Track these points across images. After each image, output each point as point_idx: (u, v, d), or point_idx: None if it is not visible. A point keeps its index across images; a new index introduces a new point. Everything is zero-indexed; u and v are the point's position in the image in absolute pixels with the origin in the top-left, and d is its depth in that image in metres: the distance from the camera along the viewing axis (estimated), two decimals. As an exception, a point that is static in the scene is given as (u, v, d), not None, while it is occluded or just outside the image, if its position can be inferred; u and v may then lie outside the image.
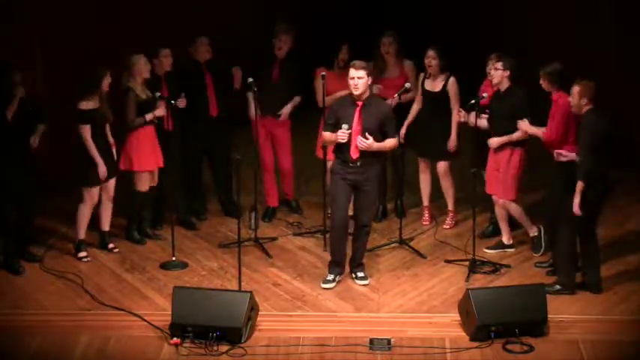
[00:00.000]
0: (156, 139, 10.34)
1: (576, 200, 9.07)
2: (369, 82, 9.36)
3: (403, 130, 10.70)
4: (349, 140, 9.28)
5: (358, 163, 9.33)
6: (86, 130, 9.84)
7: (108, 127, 10.05)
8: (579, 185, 9.05)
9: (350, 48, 10.67)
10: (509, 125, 9.87)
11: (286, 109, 10.84)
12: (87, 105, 9.84)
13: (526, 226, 10.24)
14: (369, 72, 9.36)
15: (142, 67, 10.16)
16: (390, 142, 9.42)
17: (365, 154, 9.31)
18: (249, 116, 10.75)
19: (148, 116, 10.17)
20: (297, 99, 10.89)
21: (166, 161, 10.37)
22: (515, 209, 10.11)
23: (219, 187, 11.20)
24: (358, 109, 9.33)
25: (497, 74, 9.93)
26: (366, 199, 9.49)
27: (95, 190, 10.03)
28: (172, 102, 10.18)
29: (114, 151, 10.12)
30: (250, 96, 10.63)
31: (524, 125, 9.75)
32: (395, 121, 9.51)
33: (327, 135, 9.48)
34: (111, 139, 10.09)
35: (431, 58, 10.48)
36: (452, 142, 10.57)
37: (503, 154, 9.97)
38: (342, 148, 9.37)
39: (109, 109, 9.99)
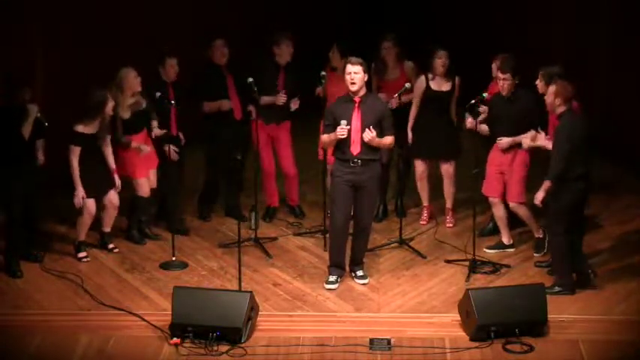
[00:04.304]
0: (148, 142, 10.31)
1: (540, 195, 9.14)
2: (365, 79, 9.36)
3: (410, 134, 10.70)
4: (348, 138, 9.28)
5: (359, 161, 9.32)
6: (74, 152, 9.78)
7: (110, 151, 9.99)
8: (546, 184, 9.11)
9: (340, 50, 10.67)
10: (518, 129, 9.83)
11: (295, 103, 10.78)
12: (83, 129, 9.80)
13: (533, 228, 10.20)
14: (365, 68, 9.35)
15: (131, 80, 10.09)
16: (387, 139, 9.42)
17: (365, 151, 9.30)
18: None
19: (133, 144, 10.12)
20: (296, 102, 10.85)
21: (171, 166, 10.39)
22: (524, 211, 10.07)
23: (230, 189, 11.16)
24: (357, 105, 9.33)
25: (508, 85, 9.83)
26: (367, 200, 9.49)
27: (91, 202, 9.98)
28: (172, 102, 10.19)
29: (115, 175, 10.02)
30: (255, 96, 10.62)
31: (531, 138, 9.67)
32: (392, 119, 9.51)
33: (325, 137, 9.46)
34: (112, 165, 9.99)
35: (444, 59, 10.48)
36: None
37: (509, 156, 9.93)
38: (341, 147, 9.37)
39: (109, 132, 9.93)
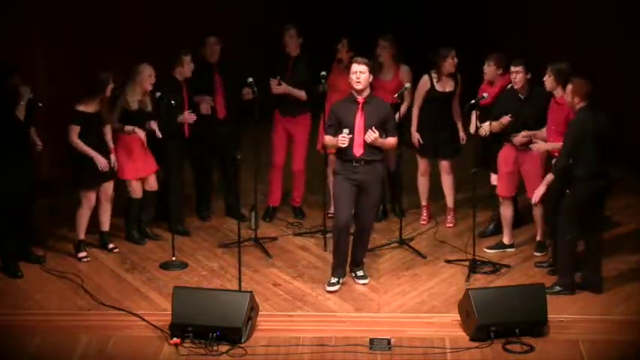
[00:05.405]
0: (142, 148, 10.28)
1: (541, 189, 9.18)
2: (370, 79, 9.36)
3: (417, 136, 10.69)
4: (351, 142, 9.27)
5: (362, 162, 9.32)
6: (74, 130, 9.81)
7: (109, 131, 10.03)
8: (548, 177, 9.13)
9: (350, 43, 10.68)
10: (532, 128, 9.79)
11: (286, 87, 10.73)
12: (84, 107, 9.84)
13: (539, 229, 10.16)
14: (371, 69, 9.36)
15: (144, 77, 10.10)
16: (391, 141, 9.42)
17: (368, 152, 9.29)
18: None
19: (128, 127, 10.14)
20: (301, 93, 10.82)
21: (173, 164, 10.40)
22: (541, 210, 9.97)
23: (227, 189, 11.16)
24: (360, 106, 9.32)
25: (520, 77, 9.80)
26: (370, 201, 9.45)
27: (91, 194, 10.02)
28: (172, 102, 10.18)
29: (112, 156, 10.08)
30: (249, 94, 10.61)
31: (543, 146, 9.60)
32: (395, 121, 9.51)
33: (328, 139, 9.42)
34: (110, 144, 10.06)
35: (455, 58, 10.47)
36: (462, 137, 10.69)
37: (523, 153, 9.89)
38: (344, 148, 9.34)
39: (109, 113, 9.99)
